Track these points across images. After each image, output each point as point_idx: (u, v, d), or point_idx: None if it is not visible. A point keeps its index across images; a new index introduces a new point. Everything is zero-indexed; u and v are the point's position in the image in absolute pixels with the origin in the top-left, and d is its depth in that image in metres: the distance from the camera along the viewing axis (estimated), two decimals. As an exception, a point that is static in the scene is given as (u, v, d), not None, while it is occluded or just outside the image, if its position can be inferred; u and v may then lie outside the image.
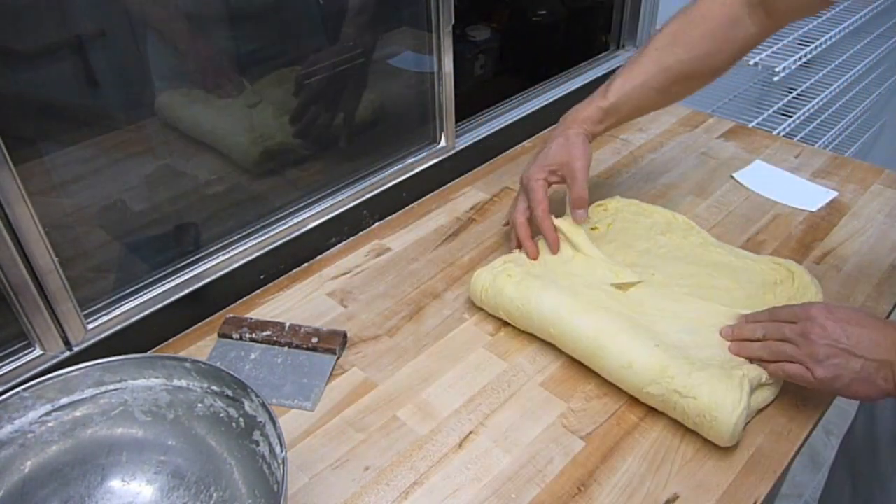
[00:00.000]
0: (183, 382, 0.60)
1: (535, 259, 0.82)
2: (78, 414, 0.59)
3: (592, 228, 0.88)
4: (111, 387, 0.60)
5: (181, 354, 0.76)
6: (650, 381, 0.67)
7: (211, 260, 0.82)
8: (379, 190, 0.96)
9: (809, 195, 1.00)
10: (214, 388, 0.60)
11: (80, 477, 0.59)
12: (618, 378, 0.70)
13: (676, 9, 1.42)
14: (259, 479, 0.58)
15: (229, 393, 0.59)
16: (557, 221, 0.84)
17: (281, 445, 0.54)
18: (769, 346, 0.67)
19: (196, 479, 0.61)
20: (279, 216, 0.88)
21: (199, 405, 0.61)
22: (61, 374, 0.58)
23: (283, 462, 0.52)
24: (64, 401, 0.59)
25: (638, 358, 0.68)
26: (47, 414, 0.58)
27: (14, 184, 0.61)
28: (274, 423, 0.55)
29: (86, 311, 0.72)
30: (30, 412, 0.57)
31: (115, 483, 0.60)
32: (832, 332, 0.62)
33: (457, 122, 1.03)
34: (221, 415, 0.60)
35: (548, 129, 1.20)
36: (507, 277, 0.78)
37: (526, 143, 1.17)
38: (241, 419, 0.59)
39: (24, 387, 0.57)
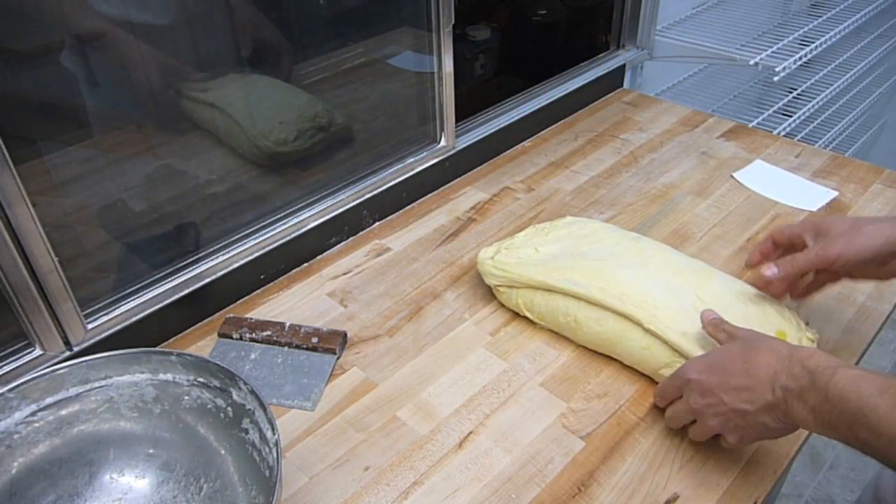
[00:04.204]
0: (169, 376, 0.60)
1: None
2: (63, 413, 0.59)
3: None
4: (96, 384, 0.60)
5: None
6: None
7: (211, 260, 0.82)
8: (379, 190, 0.96)
9: (810, 195, 1.00)
10: (201, 379, 0.60)
11: (69, 475, 0.59)
12: (656, 318, 0.70)
13: (676, 9, 1.43)
14: (250, 466, 0.58)
15: (216, 383, 0.59)
16: None
17: (273, 430, 0.53)
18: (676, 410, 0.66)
19: (185, 472, 0.61)
20: (279, 216, 0.88)
21: (186, 398, 0.61)
22: (45, 374, 0.58)
23: (276, 444, 0.53)
24: (49, 400, 0.59)
25: (672, 304, 0.70)
26: (33, 414, 0.58)
27: (14, 184, 0.61)
28: (264, 408, 0.55)
29: (86, 311, 0.72)
30: (15, 413, 0.57)
31: (104, 479, 0.60)
32: (711, 399, 0.60)
33: (457, 122, 1.03)
34: (209, 406, 0.60)
35: (547, 129, 1.20)
36: (534, 251, 0.81)
37: (526, 143, 1.17)
38: (228, 409, 0.59)
39: (8, 387, 0.56)
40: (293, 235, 0.88)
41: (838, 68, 1.70)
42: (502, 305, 0.83)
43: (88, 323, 0.72)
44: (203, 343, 0.80)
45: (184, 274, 0.80)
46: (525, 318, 0.80)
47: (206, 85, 0.80)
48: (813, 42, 1.39)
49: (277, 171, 0.90)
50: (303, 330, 0.78)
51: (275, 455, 0.53)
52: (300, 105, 0.89)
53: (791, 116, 1.49)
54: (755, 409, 0.57)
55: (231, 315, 0.82)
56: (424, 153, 1.02)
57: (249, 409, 0.57)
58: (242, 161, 0.86)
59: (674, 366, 0.68)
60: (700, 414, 0.62)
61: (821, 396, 0.52)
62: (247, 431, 0.58)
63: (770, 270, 0.69)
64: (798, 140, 1.27)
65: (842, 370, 0.52)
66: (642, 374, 0.74)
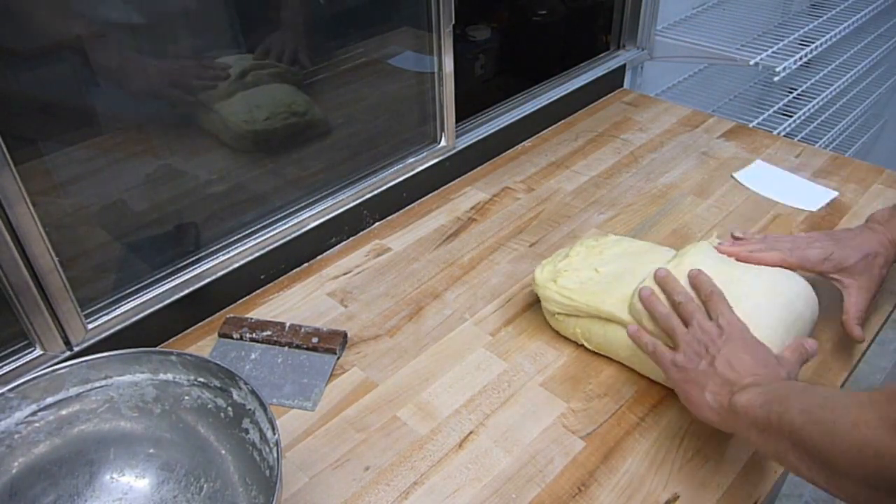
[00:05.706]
0: (169, 376, 0.60)
1: None
2: (64, 413, 0.59)
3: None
4: (97, 384, 0.60)
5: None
6: None
7: (211, 260, 0.82)
8: (379, 190, 0.96)
9: (810, 195, 1.00)
10: (201, 379, 0.60)
11: (69, 475, 0.60)
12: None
13: (676, 9, 1.43)
14: (250, 466, 0.58)
15: (216, 383, 0.59)
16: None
17: (273, 430, 0.53)
18: (670, 316, 0.66)
19: (186, 472, 0.61)
20: (279, 216, 0.88)
21: (187, 398, 0.61)
22: (45, 374, 0.58)
23: (277, 444, 0.53)
24: (49, 400, 0.59)
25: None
26: (33, 414, 0.58)
27: (14, 184, 0.61)
28: (264, 408, 0.55)
29: (86, 311, 0.72)
30: (15, 413, 0.57)
31: (104, 479, 0.60)
32: (717, 339, 0.62)
33: (457, 122, 1.03)
34: (209, 406, 0.60)
35: (547, 129, 1.20)
36: (594, 272, 0.75)
37: (526, 143, 1.17)
38: (229, 409, 0.59)
39: (8, 387, 0.56)
40: (293, 235, 0.88)
41: (838, 68, 1.70)
42: (503, 306, 0.83)
43: (89, 323, 0.72)
44: (203, 343, 0.80)
45: (184, 274, 0.80)
46: (526, 318, 0.80)
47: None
48: (813, 42, 1.39)
49: (278, 171, 0.90)
50: (303, 330, 0.78)
51: (275, 455, 0.53)
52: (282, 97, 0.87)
53: (791, 116, 1.49)
54: (721, 374, 0.60)
55: (231, 315, 0.82)
56: (424, 153, 1.02)
57: (250, 409, 0.57)
58: (221, 145, 0.83)
59: None
60: (695, 339, 0.63)
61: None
62: (247, 431, 0.58)
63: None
64: (798, 140, 1.28)
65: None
66: (642, 375, 0.74)
